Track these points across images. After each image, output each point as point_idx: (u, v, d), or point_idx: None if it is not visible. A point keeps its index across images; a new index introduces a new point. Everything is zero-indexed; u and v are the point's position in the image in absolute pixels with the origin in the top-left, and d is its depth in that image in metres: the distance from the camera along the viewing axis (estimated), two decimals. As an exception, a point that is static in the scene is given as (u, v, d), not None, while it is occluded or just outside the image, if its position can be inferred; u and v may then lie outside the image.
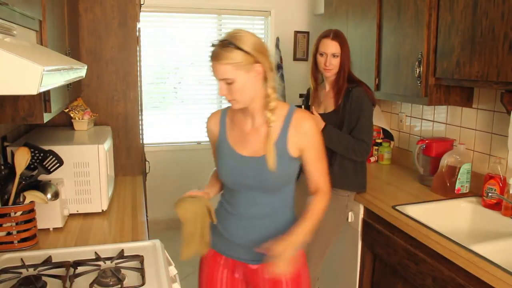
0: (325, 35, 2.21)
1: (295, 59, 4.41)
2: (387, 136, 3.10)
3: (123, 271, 1.44)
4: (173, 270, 1.53)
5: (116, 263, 1.50)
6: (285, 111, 1.49)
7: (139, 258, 1.53)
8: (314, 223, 1.51)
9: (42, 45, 1.54)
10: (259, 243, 1.46)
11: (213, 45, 1.39)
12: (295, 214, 1.61)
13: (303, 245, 1.48)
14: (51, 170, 1.80)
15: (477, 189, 2.25)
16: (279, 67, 4.23)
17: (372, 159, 3.04)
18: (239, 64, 1.35)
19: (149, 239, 1.77)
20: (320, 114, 2.25)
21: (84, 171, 2.01)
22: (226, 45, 1.34)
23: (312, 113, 2.23)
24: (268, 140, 1.45)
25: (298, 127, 1.46)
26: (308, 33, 4.39)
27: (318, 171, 1.54)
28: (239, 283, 1.61)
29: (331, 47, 2.17)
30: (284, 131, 1.47)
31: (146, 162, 3.06)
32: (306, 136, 1.47)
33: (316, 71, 2.29)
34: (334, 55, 2.17)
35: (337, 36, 2.19)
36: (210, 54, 1.39)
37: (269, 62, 1.41)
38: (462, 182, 2.26)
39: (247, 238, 1.53)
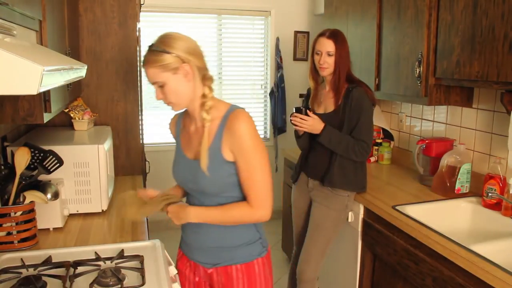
0: (321, 34, 2.23)
1: (295, 59, 4.41)
2: (387, 136, 3.10)
3: (123, 271, 1.44)
4: (173, 270, 1.53)
5: (116, 263, 1.50)
6: (223, 111, 1.42)
7: (139, 258, 1.53)
8: (219, 218, 1.43)
9: (42, 45, 1.54)
10: (210, 247, 1.49)
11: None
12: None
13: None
14: (51, 170, 1.80)
15: (477, 189, 2.25)
16: (279, 67, 4.24)
17: (372, 159, 3.04)
18: (165, 66, 1.33)
19: (149, 239, 1.77)
20: (320, 114, 2.25)
21: (84, 171, 2.01)
22: (152, 49, 1.35)
23: (313, 112, 2.24)
24: (202, 141, 1.40)
25: (230, 128, 1.37)
26: (308, 33, 4.39)
27: (246, 182, 1.40)
28: (202, 285, 1.58)
29: (326, 45, 2.18)
30: (219, 132, 1.40)
31: (146, 162, 3.06)
32: (235, 139, 1.37)
33: (314, 71, 2.29)
34: (329, 54, 2.18)
35: (333, 35, 2.19)
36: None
37: (200, 61, 1.39)
38: (462, 182, 2.26)
39: (199, 241, 1.52)
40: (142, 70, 2.89)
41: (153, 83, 1.37)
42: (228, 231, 1.47)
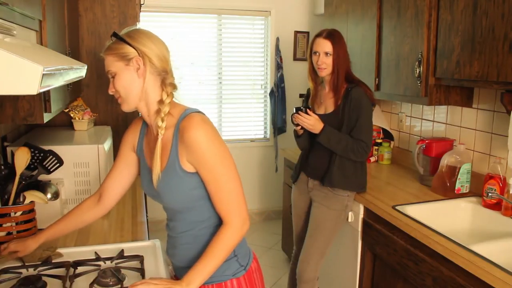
0: (318, 35, 2.23)
1: (295, 59, 4.41)
2: (387, 136, 3.10)
3: (123, 271, 1.44)
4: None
5: (116, 263, 1.50)
6: (176, 118, 1.29)
7: (139, 258, 1.53)
8: (211, 264, 1.24)
9: (42, 45, 1.54)
10: (184, 267, 1.34)
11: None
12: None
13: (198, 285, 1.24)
14: (51, 170, 1.80)
15: (477, 189, 2.25)
16: (279, 67, 4.24)
17: (372, 159, 3.04)
18: (119, 55, 1.26)
19: (149, 239, 1.77)
20: (320, 115, 2.25)
21: (84, 171, 2.01)
22: (112, 37, 1.30)
23: (313, 112, 2.24)
24: (155, 153, 1.27)
25: (182, 138, 1.24)
26: (308, 33, 4.39)
27: (216, 196, 1.26)
28: None
29: (324, 45, 2.18)
30: (174, 142, 1.27)
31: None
32: (191, 150, 1.23)
33: (313, 72, 2.29)
34: (326, 54, 2.18)
35: (331, 35, 2.19)
36: None
37: (160, 63, 1.29)
38: (462, 182, 2.26)
39: (175, 260, 1.43)
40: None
41: (106, 72, 1.31)
42: (199, 249, 1.33)
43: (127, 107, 1.33)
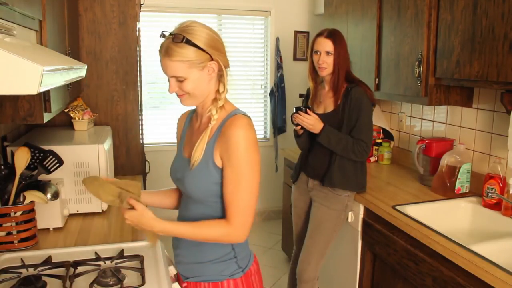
0: (319, 34, 2.23)
1: (295, 59, 4.41)
2: (387, 136, 3.10)
3: (123, 271, 1.44)
4: (173, 270, 1.53)
5: (116, 263, 1.50)
6: (225, 114, 1.32)
7: (139, 258, 1.53)
8: (189, 235, 1.28)
9: (42, 45, 1.54)
10: (182, 261, 1.39)
11: (163, 36, 1.26)
12: None
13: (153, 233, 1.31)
14: (51, 170, 1.80)
15: (477, 189, 2.25)
16: (279, 67, 4.24)
17: (372, 159, 3.04)
18: (193, 62, 1.22)
19: (149, 239, 1.77)
20: (320, 114, 2.25)
21: (84, 171, 2.01)
22: (178, 39, 1.21)
23: (313, 111, 2.24)
24: (201, 138, 1.30)
25: (224, 133, 1.27)
26: (308, 33, 4.39)
27: (230, 196, 1.26)
28: None
29: (325, 45, 2.18)
30: (216, 134, 1.30)
31: (146, 162, 3.06)
32: (226, 146, 1.25)
33: (313, 71, 2.29)
34: (327, 53, 2.18)
35: (331, 34, 2.19)
36: (160, 47, 1.26)
37: (224, 58, 1.29)
38: (462, 182, 2.26)
39: (174, 253, 1.45)
40: (142, 70, 2.88)
41: (170, 76, 1.25)
42: (200, 246, 1.35)
43: (191, 104, 1.33)
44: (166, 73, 1.26)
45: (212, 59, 1.26)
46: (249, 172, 1.26)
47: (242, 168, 1.25)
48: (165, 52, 1.23)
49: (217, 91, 1.32)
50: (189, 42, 1.21)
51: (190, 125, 1.46)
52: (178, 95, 1.31)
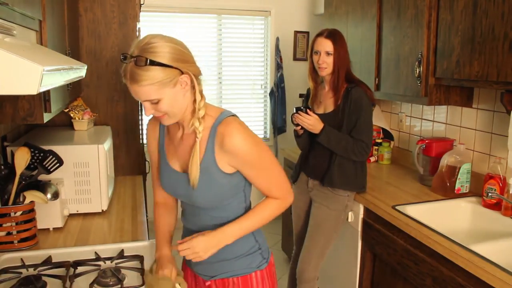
0: (319, 34, 2.23)
1: (295, 59, 4.41)
2: (387, 136, 3.10)
3: (123, 271, 1.44)
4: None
5: (116, 263, 1.50)
6: (212, 121, 1.27)
7: (139, 258, 1.53)
8: (255, 226, 1.35)
9: (42, 45, 1.54)
10: (207, 261, 1.34)
11: (124, 59, 1.15)
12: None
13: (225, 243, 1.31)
14: (51, 170, 1.80)
15: (477, 189, 2.25)
16: (279, 67, 4.24)
17: (372, 159, 3.04)
18: (163, 82, 1.15)
19: (149, 239, 1.77)
20: (320, 115, 2.25)
21: (84, 171, 2.01)
22: (141, 62, 1.12)
23: (313, 112, 2.24)
24: (192, 155, 1.26)
25: (222, 145, 1.24)
26: (308, 33, 4.39)
27: (263, 185, 1.34)
28: None
29: (325, 45, 2.18)
30: (210, 145, 1.26)
31: (146, 162, 3.06)
32: (233, 156, 1.25)
33: (313, 71, 2.29)
34: (327, 53, 2.18)
35: (331, 34, 2.20)
36: (123, 73, 1.17)
37: (195, 68, 1.23)
38: (462, 182, 2.26)
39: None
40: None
41: (142, 101, 1.18)
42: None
43: (174, 121, 1.27)
44: (139, 98, 1.19)
45: (182, 73, 1.19)
46: (265, 156, 1.31)
47: (257, 161, 1.29)
48: (131, 78, 1.15)
49: (194, 101, 1.26)
50: (153, 63, 1.13)
51: (168, 133, 1.39)
52: (156, 117, 1.26)
